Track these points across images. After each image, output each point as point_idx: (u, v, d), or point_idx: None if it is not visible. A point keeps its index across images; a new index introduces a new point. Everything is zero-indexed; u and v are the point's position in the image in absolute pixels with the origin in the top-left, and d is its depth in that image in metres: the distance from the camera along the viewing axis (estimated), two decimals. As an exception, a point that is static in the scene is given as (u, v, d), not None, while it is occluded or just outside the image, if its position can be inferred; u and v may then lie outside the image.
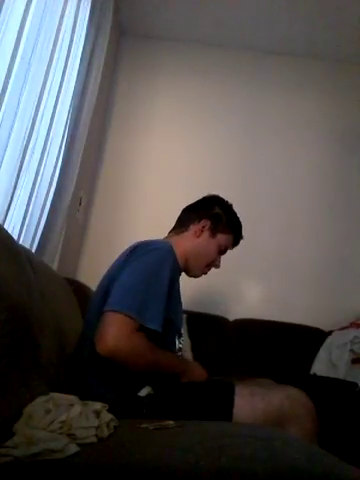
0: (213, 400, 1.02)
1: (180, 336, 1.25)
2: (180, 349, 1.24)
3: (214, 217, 1.32)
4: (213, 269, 1.37)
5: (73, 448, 0.63)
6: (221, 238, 1.32)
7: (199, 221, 1.31)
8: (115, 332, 0.96)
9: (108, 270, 1.19)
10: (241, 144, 2.58)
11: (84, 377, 1.07)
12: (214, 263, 1.35)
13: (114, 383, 1.05)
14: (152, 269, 1.08)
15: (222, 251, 1.35)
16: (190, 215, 1.34)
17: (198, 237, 1.30)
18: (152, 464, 0.60)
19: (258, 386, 1.08)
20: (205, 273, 1.36)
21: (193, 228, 1.31)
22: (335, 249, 2.44)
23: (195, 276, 1.35)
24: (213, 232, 1.31)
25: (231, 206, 1.38)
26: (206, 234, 1.31)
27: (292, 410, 0.97)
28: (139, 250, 1.12)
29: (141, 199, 2.48)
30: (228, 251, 1.39)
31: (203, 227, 1.31)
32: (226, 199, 1.39)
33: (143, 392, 1.02)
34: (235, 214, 1.37)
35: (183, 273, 1.33)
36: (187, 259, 1.29)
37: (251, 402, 0.99)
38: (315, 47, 2.58)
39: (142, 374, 1.05)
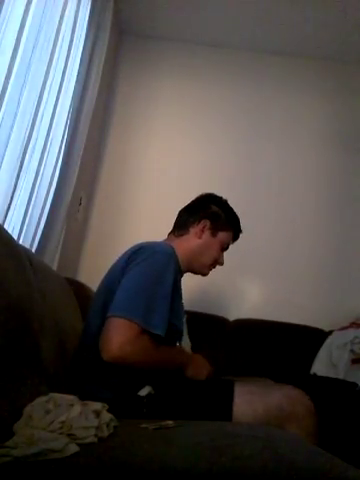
0: (213, 399, 1.02)
1: (181, 338, 1.25)
2: None
3: (212, 216, 1.32)
4: (217, 266, 1.38)
5: (73, 448, 0.63)
6: (222, 236, 1.33)
7: (198, 222, 1.31)
8: (120, 338, 0.96)
9: (109, 271, 1.18)
10: (242, 143, 2.58)
11: (84, 377, 1.07)
12: (218, 261, 1.35)
13: (114, 383, 1.04)
14: (156, 273, 1.07)
15: (224, 248, 1.36)
16: (188, 217, 1.34)
17: (199, 238, 1.30)
18: (152, 464, 0.60)
19: (257, 385, 1.08)
20: (211, 269, 1.36)
21: (193, 230, 1.31)
22: (335, 249, 2.44)
23: (203, 275, 1.36)
24: (214, 231, 1.31)
25: (226, 202, 1.38)
26: (207, 234, 1.31)
27: (292, 410, 0.97)
28: (142, 253, 1.11)
29: (141, 199, 2.48)
30: (228, 251, 1.39)
31: (203, 227, 1.31)
32: (220, 195, 1.39)
33: (143, 392, 1.02)
34: (232, 209, 1.38)
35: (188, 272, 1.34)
36: (191, 261, 1.29)
37: (250, 401, 0.99)
38: (315, 47, 2.58)
39: (142, 374, 1.05)
